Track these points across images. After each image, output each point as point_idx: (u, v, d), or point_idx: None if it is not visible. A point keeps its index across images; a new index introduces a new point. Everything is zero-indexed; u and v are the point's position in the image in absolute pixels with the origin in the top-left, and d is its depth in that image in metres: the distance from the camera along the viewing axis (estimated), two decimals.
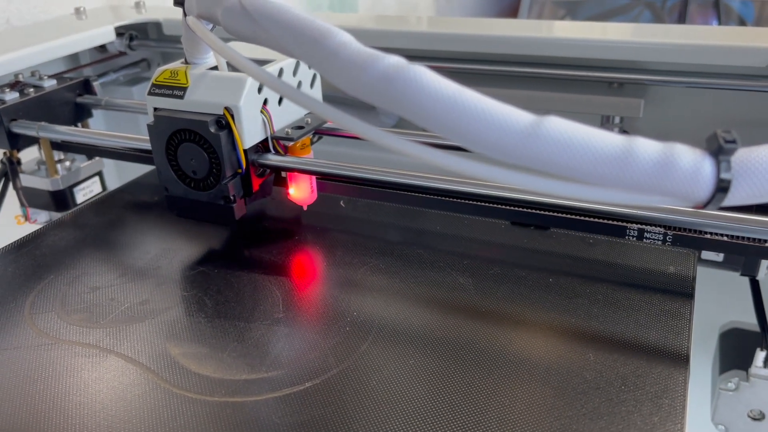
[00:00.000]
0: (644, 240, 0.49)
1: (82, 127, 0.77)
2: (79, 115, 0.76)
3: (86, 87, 0.76)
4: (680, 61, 0.71)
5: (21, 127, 0.68)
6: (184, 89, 0.55)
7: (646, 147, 0.31)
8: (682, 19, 2.32)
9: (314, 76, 0.62)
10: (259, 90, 0.54)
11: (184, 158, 0.55)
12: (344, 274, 0.54)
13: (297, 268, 0.55)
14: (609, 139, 0.31)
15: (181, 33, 0.92)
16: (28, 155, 0.74)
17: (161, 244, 0.60)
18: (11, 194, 0.75)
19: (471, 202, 0.52)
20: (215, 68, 0.56)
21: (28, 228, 0.67)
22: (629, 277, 0.52)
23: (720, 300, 0.71)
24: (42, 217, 0.77)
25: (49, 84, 0.73)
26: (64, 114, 0.74)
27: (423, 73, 0.33)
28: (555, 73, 0.76)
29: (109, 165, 0.82)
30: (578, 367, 0.42)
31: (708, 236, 0.47)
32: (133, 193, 0.71)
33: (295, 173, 0.58)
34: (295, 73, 0.59)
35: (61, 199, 0.74)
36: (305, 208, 0.60)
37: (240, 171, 0.55)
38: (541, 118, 0.31)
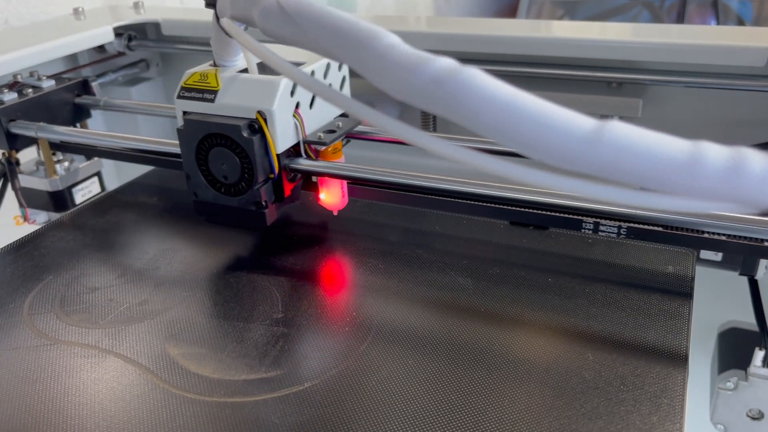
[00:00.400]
0: (599, 233, 0.50)
1: (81, 127, 0.76)
2: (78, 115, 0.76)
3: (85, 87, 0.76)
4: (679, 61, 0.71)
5: (20, 128, 0.68)
6: (215, 92, 0.53)
7: (715, 152, 0.29)
8: (680, 18, 2.32)
9: (344, 79, 0.61)
10: (292, 93, 0.53)
11: (215, 163, 0.54)
12: (343, 275, 0.54)
13: (296, 268, 0.55)
14: (676, 145, 0.30)
15: (180, 33, 0.93)
16: (27, 156, 0.74)
17: (160, 244, 0.60)
18: (10, 195, 0.75)
19: (528, 209, 0.51)
20: (245, 71, 0.54)
21: (27, 228, 0.66)
22: (628, 277, 0.52)
23: (719, 299, 0.71)
24: (41, 218, 0.77)
25: (48, 84, 0.73)
26: (63, 114, 0.74)
27: (476, 75, 0.31)
28: (553, 73, 0.76)
29: (108, 165, 0.82)
30: (577, 367, 0.42)
31: (706, 235, 0.47)
32: (132, 193, 0.71)
33: (326, 178, 0.57)
34: (325, 75, 0.58)
35: (59, 200, 0.74)
36: (336, 213, 0.59)
37: (272, 176, 0.54)
38: (603, 122, 0.30)
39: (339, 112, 0.60)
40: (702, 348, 0.68)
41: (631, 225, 0.49)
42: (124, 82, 1.00)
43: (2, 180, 0.74)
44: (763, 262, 0.53)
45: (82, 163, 0.76)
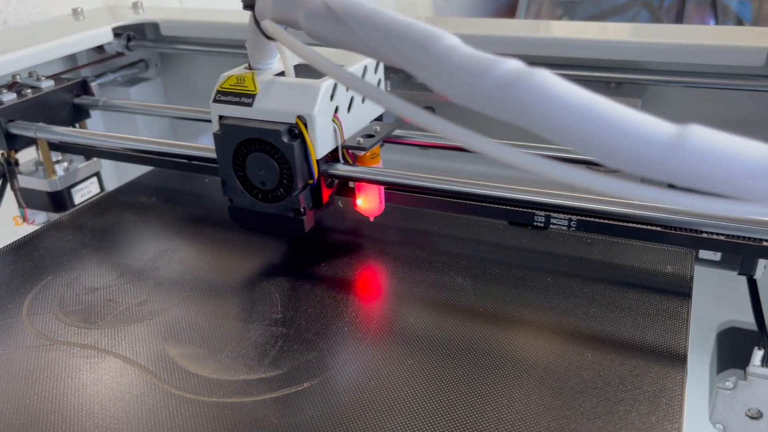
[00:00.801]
0: (551, 226, 0.50)
1: (80, 127, 0.76)
2: (77, 115, 0.76)
3: (84, 88, 0.76)
4: (678, 61, 0.71)
5: (19, 128, 0.68)
6: (253, 96, 0.52)
7: None
8: (679, 18, 2.31)
9: (379, 81, 0.60)
10: (331, 97, 0.52)
11: (253, 169, 0.53)
12: (342, 275, 0.54)
13: (295, 268, 0.55)
14: (760, 150, 0.28)
15: (179, 34, 0.93)
16: (26, 156, 0.74)
17: (159, 245, 0.60)
18: (9, 195, 0.75)
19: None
20: (281, 74, 0.53)
21: (26, 229, 0.66)
22: (627, 276, 0.52)
23: (717, 299, 0.71)
24: (40, 218, 0.77)
25: (47, 85, 0.73)
26: (62, 115, 0.74)
27: (548, 78, 0.30)
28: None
29: (107, 166, 0.82)
30: (576, 367, 0.42)
31: (705, 235, 0.47)
32: (131, 194, 0.71)
33: (364, 184, 0.55)
34: (362, 78, 0.57)
35: (59, 200, 0.74)
36: (372, 219, 0.58)
37: (311, 182, 0.52)
38: (683, 127, 0.28)
39: (375, 115, 0.59)
40: (701, 347, 0.67)
41: (581, 218, 0.50)
42: (123, 83, 1.00)
43: (1, 180, 0.74)
44: (761, 262, 0.53)
45: (81, 164, 0.76)
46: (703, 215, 0.46)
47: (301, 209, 0.53)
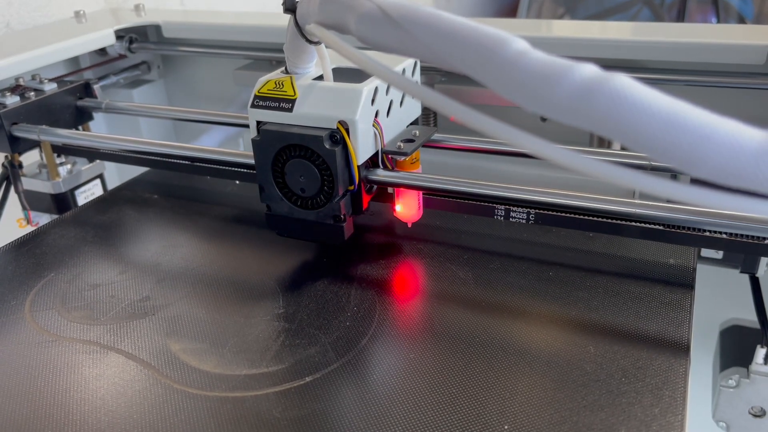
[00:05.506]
0: (511, 218, 0.51)
1: (83, 130, 0.77)
2: (80, 118, 0.76)
3: (87, 90, 0.76)
4: (679, 60, 0.71)
5: (22, 131, 0.69)
6: (292, 101, 0.51)
7: None
8: (681, 16, 2.30)
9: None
10: (372, 101, 0.51)
11: (292, 175, 0.52)
12: (343, 269, 0.54)
13: (296, 263, 0.55)
14: None
15: (180, 36, 0.93)
16: (30, 159, 0.75)
17: (161, 240, 0.60)
18: (13, 197, 0.75)
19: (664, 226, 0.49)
20: (319, 78, 0.52)
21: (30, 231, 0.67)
22: (629, 269, 0.52)
23: (720, 297, 0.71)
24: (43, 220, 0.77)
25: (50, 87, 0.73)
26: (65, 117, 0.74)
27: (629, 84, 0.28)
28: None
29: (110, 168, 0.82)
30: (578, 359, 0.42)
31: (707, 234, 0.47)
32: (132, 190, 0.71)
33: (403, 189, 0.55)
34: None
35: (62, 202, 0.74)
36: (410, 225, 0.57)
37: (352, 188, 0.52)
38: None
39: (412, 119, 0.59)
40: (704, 346, 0.67)
41: (539, 211, 0.50)
42: (126, 85, 1.01)
43: (5, 183, 0.74)
44: (763, 260, 0.53)
45: (84, 166, 0.76)
46: (705, 213, 0.46)
47: (342, 216, 0.52)
